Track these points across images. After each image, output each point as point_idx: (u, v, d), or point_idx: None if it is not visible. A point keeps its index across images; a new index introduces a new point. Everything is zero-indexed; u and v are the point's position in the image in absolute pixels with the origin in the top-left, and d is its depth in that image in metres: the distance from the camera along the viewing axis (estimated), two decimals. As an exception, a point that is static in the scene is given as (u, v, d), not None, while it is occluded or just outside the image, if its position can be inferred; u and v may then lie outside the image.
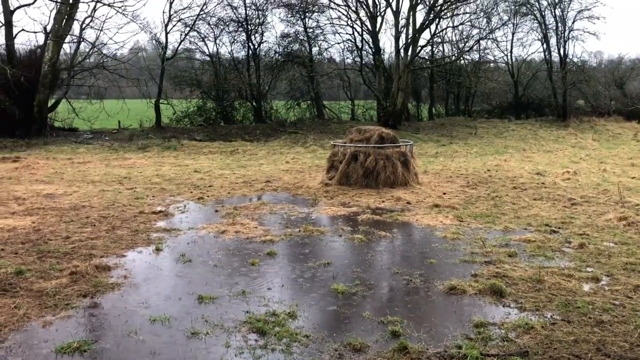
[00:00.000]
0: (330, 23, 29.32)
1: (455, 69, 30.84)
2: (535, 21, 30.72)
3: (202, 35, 27.84)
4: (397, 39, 25.71)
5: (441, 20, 27.75)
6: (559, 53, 30.76)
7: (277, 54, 28.99)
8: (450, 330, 4.67)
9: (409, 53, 25.75)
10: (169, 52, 26.19)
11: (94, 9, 23.27)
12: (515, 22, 31.54)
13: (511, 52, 32.67)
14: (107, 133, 23.38)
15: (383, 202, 10.37)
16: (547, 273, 6.06)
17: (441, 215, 9.19)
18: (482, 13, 29.21)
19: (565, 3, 29.81)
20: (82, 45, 24.15)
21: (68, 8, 21.81)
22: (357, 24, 27.86)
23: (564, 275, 6.01)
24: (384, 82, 27.50)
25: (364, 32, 28.06)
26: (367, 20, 27.05)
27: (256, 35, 28.21)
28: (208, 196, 10.95)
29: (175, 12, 26.55)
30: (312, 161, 16.79)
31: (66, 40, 22.98)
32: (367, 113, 30.95)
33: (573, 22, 30.19)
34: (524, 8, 30.52)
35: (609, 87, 32.53)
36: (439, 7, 26.09)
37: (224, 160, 17.33)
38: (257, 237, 7.69)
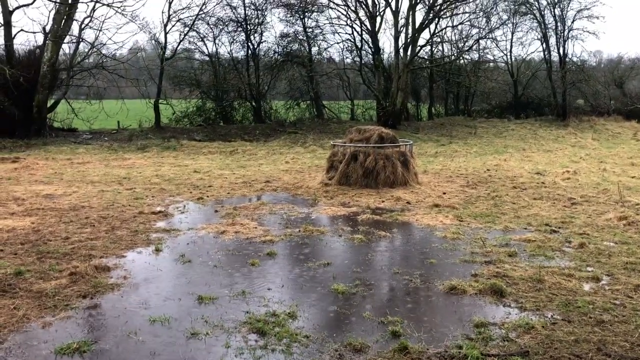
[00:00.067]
0: (330, 23, 29.43)
1: (455, 68, 30.84)
2: (535, 21, 30.77)
3: (202, 35, 27.93)
4: (396, 38, 25.71)
5: (440, 19, 27.79)
6: (559, 52, 30.85)
7: (276, 54, 29.02)
8: (450, 330, 4.66)
9: (409, 53, 25.75)
10: (168, 52, 26.21)
11: (93, 9, 23.33)
12: (514, 21, 31.64)
13: (511, 51, 32.77)
14: (107, 133, 23.38)
15: (383, 202, 10.36)
16: (547, 273, 6.05)
17: (441, 215, 9.18)
18: (481, 12, 29.28)
19: (565, 2, 29.91)
20: (81, 45, 24.20)
21: (67, 8, 21.80)
22: (356, 23, 27.92)
23: (564, 275, 6.00)
24: (384, 81, 27.49)
25: (364, 32, 28.11)
26: (367, 20, 27.07)
27: (255, 35, 28.26)
28: (208, 196, 10.94)
29: (175, 12, 26.68)
30: (311, 161, 16.77)
31: (65, 41, 23.00)
32: (366, 113, 30.96)
33: (572, 22, 30.31)
34: (524, 7, 30.55)
35: (609, 86, 32.55)
36: (438, 7, 26.09)
37: (224, 161, 17.31)
38: (256, 238, 7.68)
